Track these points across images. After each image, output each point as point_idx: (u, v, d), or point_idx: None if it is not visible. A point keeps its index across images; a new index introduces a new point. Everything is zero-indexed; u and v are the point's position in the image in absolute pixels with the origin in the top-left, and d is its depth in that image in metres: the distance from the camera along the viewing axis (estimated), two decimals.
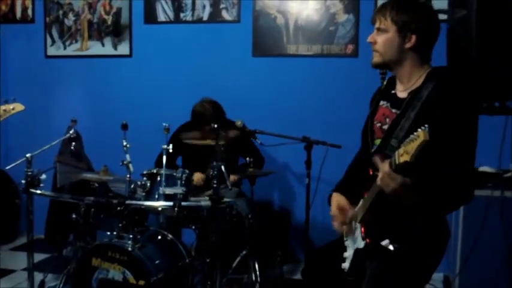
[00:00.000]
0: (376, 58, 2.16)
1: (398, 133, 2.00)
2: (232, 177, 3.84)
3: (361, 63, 4.52)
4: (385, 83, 2.30)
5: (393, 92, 2.21)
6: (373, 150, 2.21)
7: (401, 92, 2.16)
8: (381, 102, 2.25)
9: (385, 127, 2.15)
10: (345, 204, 2.29)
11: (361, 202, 2.17)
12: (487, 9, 2.88)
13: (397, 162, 1.77)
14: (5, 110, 3.17)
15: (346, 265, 2.26)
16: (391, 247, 2.03)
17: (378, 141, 2.19)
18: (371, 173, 2.08)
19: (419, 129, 1.67)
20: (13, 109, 3.21)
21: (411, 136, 1.71)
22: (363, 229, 2.14)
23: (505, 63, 2.71)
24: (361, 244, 2.14)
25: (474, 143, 1.99)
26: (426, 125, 1.67)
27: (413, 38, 2.07)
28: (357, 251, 2.18)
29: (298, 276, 4.29)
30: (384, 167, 1.88)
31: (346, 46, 4.66)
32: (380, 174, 1.91)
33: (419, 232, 2.06)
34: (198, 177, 3.96)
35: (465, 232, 3.51)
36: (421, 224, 2.06)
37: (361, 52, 4.59)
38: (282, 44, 4.77)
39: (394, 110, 2.14)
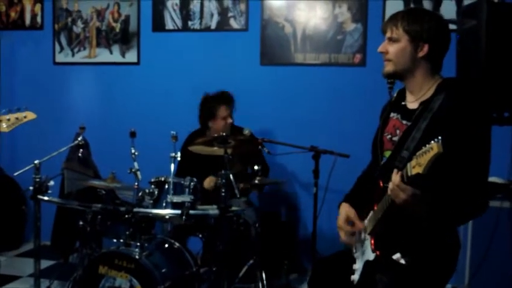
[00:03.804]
0: (389, 67, 2.15)
1: (409, 144, 1.99)
2: (209, 181, 3.85)
3: (369, 73, 4.53)
4: (395, 95, 2.29)
5: (403, 103, 2.21)
6: (382, 162, 2.20)
7: (411, 103, 2.16)
8: (391, 114, 2.24)
9: (396, 139, 2.14)
10: (353, 216, 2.28)
11: (371, 214, 2.15)
12: (497, 20, 2.89)
13: (409, 174, 1.77)
14: (17, 118, 3.18)
15: (355, 277, 2.24)
16: (402, 261, 2.02)
17: (387, 153, 2.18)
18: (381, 185, 2.07)
19: (432, 142, 1.66)
20: (25, 117, 3.21)
21: (424, 148, 1.70)
22: (372, 241, 2.13)
23: None
24: (371, 256, 2.12)
25: (487, 155, 1.98)
26: (439, 137, 1.66)
27: (426, 47, 2.07)
28: (367, 263, 2.16)
29: (304, 286, 4.27)
30: (395, 178, 1.88)
31: (353, 55, 4.65)
32: (390, 185, 1.91)
33: (431, 245, 2.05)
34: (209, 180, 3.94)
35: (474, 243, 3.49)
36: (433, 237, 2.05)
37: (369, 61, 4.58)
38: (289, 53, 4.78)
39: (404, 122, 2.14)
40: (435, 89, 2.07)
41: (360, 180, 2.47)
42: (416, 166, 1.71)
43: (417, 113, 2.05)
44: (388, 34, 2.14)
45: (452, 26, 3.48)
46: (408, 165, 1.77)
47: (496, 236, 3.39)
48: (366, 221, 2.20)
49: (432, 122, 1.96)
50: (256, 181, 3.70)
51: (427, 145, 1.68)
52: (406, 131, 2.07)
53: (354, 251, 2.30)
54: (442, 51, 2.12)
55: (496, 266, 3.43)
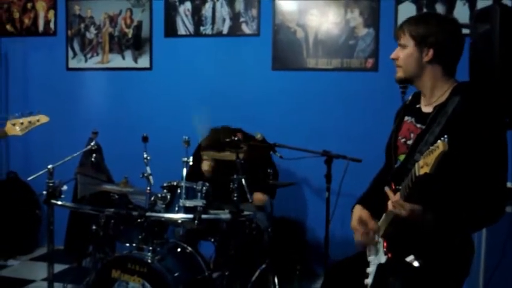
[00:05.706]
0: (399, 73, 2.17)
1: (422, 148, 1.99)
2: (260, 197, 3.85)
3: (381, 77, 4.52)
4: (410, 98, 2.30)
5: (418, 106, 2.21)
6: (397, 165, 2.19)
7: (425, 106, 2.15)
8: (406, 118, 2.24)
9: (410, 142, 2.14)
10: (366, 217, 2.28)
11: (383, 216, 2.15)
12: (510, 24, 2.87)
13: (417, 174, 1.77)
14: (30, 122, 3.21)
15: (368, 281, 2.24)
16: (415, 263, 2.01)
17: (402, 157, 2.18)
18: (393, 187, 2.07)
19: (438, 141, 1.67)
20: (38, 121, 3.24)
21: (431, 148, 1.71)
22: (385, 244, 2.13)
23: None
24: (383, 259, 2.12)
25: (503, 159, 1.97)
26: (445, 136, 1.67)
27: (431, 51, 2.07)
28: (380, 266, 2.16)
29: None
30: (393, 196, 1.95)
31: (366, 60, 4.65)
32: (390, 204, 1.95)
33: (444, 248, 2.04)
34: (205, 166, 3.95)
35: (488, 249, 3.46)
36: (446, 240, 2.04)
37: (381, 66, 4.57)
38: (301, 58, 4.78)
39: (419, 125, 2.13)
40: (449, 93, 2.07)
41: (374, 183, 2.47)
42: (424, 166, 1.72)
43: (431, 117, 2.05)
44: (399, 40, 2.16)
45: (465, 31, 3.46)
46: (416, 165, 1.79)
47: (509, 242, 3.36)
48: (379, 223, 2.20)
49: (446, 126, 1.96)
50: (270, 184, 3.71)
51: (434, 144, 1.69)
52: (420, 135, 2.07)
53: (368, 254, 2.30)
54: (451, 55, 2.11)
55: (510, 271, 3.40)
